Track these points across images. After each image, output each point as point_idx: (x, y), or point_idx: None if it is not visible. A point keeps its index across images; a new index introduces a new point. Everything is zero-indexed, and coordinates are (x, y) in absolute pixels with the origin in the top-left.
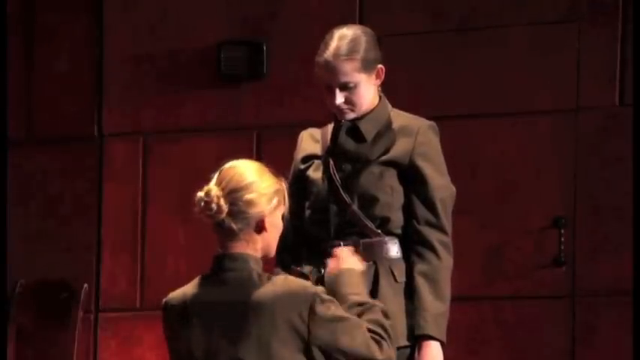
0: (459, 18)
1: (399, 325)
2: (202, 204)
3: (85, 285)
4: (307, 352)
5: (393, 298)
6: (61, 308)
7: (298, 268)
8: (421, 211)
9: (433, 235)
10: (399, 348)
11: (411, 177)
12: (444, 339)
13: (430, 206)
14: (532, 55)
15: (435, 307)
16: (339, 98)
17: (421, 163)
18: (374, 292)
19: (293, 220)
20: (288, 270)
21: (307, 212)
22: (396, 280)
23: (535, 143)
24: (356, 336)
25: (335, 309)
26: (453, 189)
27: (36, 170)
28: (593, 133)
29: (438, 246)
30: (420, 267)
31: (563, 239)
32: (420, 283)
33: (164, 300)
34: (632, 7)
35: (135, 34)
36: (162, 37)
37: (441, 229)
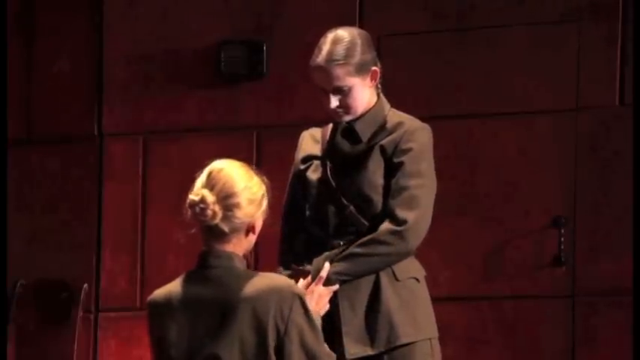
0: (458, 18)
1: (399, 323)
2: (198, 210)
3: (85, 285)
4: (279, 348)
5: (393, 296)
6: (61, 308)
7: (300, 267)
8: (390, 198)
9: (384, 225)
10: (400, 346)
11: (392, 167)
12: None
13: (398, 194)
14: (532, 55)
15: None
16: (334, 102)
17: (402, 156)
18: (375, 291)
19: (294, 220)
20: (290, 269)
21: (307, 212)
22: (396, 278)
23: (535, 143)
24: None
25: (311, 324)
26: (433, 186)
27: (36, 170)
28: (593, 133)
29: (385, 230)
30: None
31: (563, 239)
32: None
33: (148, 298)
34: (632, 7)
35: (135, 34)
36: (163, 37)
37: (395, 219)
